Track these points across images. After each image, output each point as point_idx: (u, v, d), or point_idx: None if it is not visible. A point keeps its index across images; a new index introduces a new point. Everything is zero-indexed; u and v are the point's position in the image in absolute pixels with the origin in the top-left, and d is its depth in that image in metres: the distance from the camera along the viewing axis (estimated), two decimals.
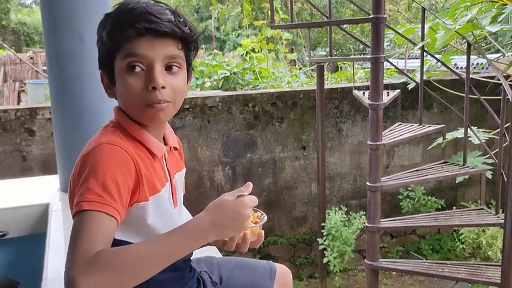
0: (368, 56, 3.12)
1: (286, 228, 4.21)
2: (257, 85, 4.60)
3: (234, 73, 4.68)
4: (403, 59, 6.47)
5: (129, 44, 1.01)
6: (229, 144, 3.87)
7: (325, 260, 3.81)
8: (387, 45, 7.97)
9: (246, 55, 5.10)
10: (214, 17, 10.96)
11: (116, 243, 1.01)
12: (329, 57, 3.70)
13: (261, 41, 5.97)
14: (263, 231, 1.13)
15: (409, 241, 4.69)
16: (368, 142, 3.17)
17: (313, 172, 4.11)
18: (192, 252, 1.19)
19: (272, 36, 6.16)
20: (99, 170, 0.93)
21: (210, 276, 1.28)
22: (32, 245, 2.04)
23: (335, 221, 3.82)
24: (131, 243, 1.01)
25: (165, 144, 1.16)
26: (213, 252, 1.60)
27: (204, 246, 1.24)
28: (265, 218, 1.15)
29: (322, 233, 3.85)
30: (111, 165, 0.95)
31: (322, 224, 3.89)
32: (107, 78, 1.08)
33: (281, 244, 4.20)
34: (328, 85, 4.78)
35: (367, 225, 3.23)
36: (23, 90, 10.64)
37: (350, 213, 4.03)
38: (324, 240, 3.84)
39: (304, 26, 4.32)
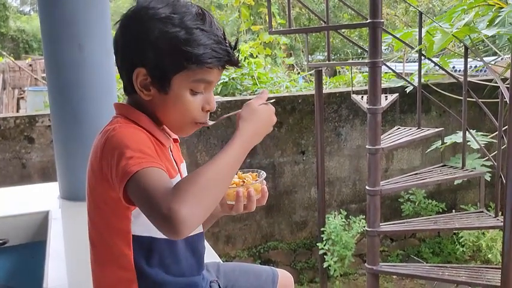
0: (366, 61, 3.14)
1: (286, 233, 4.21)
2: (256, 90, 4.61)
3: (233, 78, 4.69)
4: (401, 62, 6.49)
5: (206, 71, 1.03)
6: None
7: (325, 265, 3.81)
8: (385, 50, 8.00)
9: (244, 60, 5.11)
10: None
11: (136, 239, 1.04)
12: (327, 61, 3.71)
13: (258, 46, 5.99)
14: (266, 187, 1.18)
15: (409, 245, 4.69)
16: (367, 146, 3.18)
17: (312, 176, 4.11)
18: (203, 263, 1.22)
19: (270, 41, 6.18)
20: (130, 143, 0.95)
21: (219, 286, 1.28)
22: (32, 253, 2.04)
23: (335, 226, 3.82)
24: (156, 238, 1.04)
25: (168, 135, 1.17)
26: (214, 258, 1.60)
27: (212, 220, 1.31)
28: (264, 174, 1.21)
29: (322, 237, 3.85)
30: (136, 137, 0.98)
31: (322, 229, 3.89)
32: (151, 79, 1.04)
33: (281, 249, 4.20)
34: (326, 89, 4.79)
35: (367, 229, 3.24)
36: (22, 98, 10.64)
37: (350, 217, 4.04)
38: (324, 245, 3.84)
39: (302, 31, 4.35)
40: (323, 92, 4.07)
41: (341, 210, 4.01)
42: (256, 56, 5.83)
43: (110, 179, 0.96)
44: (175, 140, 1.20)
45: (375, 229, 3.20)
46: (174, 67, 1.02)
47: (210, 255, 1.66)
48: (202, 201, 0.87)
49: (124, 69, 1.07)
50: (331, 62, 3.91)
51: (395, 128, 3.77)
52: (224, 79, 4.59)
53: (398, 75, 3.76)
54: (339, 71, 6.10)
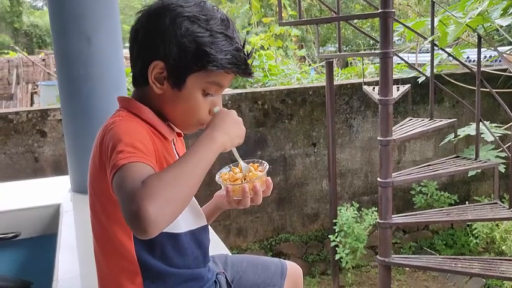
0: (377, 51, 3.10)
1: (297, 225, 4.20)
2: (266, 82, 4.59)
3: None
4: (414, 53, 6.41)
5: (222, 75, 1.05)
6: None
7: (337, 257, 3.80)
8: (398, 40, 7.90)
9: (254, 53, 5.09)
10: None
11: None
12: (338, 53, 3.67)
13: (269, 38, 5.96)
14: (269, 177, 1.17)
15: (422, 236, 4.66)
16: (378, 138, 3.15)
17: (324, 169, 4.09)
18: (208, 255, 1.21)
19: (281, 33, 6.14)
20: (123, 137, 0.95)
21: (226, 278, 1.28)
22: (44, 246, 2.06)
23: (347, 218, 3.81)
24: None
25: (171, 129, 1.17)
26: (224, 250, 1.60)
27: (217, 212, 1.31)
28: (267, 164, 1.20)
29: (334, 229, 3.84)
30: (133, 131, 0.98)
31: (334, 221, 3.87)
32: (167, 74, 1.04)
33: (293, 241, 4.19)
34: (338, 81, 4.76)
35: (379, 221, 3.21)
36: (36, 92, 10.75)
37: (362, 209, 4.02)
38: (336, 237, 3.83)
39: (312, 22, 4.31)
40: (334, 83, 4.05)
41: (353, 202, 3.99)
42: (268, 48, 5.81)
43: (107, 170, 0.97)
44: (179, 134, 1.20)
45: (386, 221, 3.17)
46: (193, 66, 1.03)
47: (220, 248, 1.66)
48: (173, 199, 0.85)
49: (140, 60, 1.07)
50: (341, 53, 3.87)
51: (408, 119, 3.73)
52: None
53: (410, 66, 3.71)
54: (351, 62, 6.05)
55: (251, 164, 1.20)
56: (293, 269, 1.42)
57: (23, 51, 11.80)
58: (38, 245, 2.09)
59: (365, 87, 3.70)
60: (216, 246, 1.65)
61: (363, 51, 7.34)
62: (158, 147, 1.04)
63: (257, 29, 6.71)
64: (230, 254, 1.55)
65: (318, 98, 4.01)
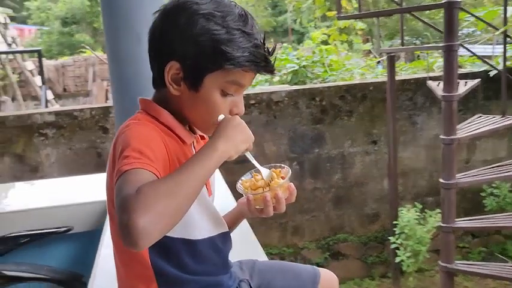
0: (440, 44, 2.92)
1: (356, 225, 4.07)
2: (326, 78, 4.48)
3: (304, 66, 4.59)
4: (491, 44, 6.00)
5: (240, 73, 1.01)
6: (296, 140, 3.80)
7: (397, 260, 3.63)
8: (473, 31, 7.44)
9: (316, 47, 4.98)
10: (290, 10, 10.89)
11: None
12: (401, 46, 3.50)
13: (333, 32, 5.81)
14: (292, 183, 1.11)
15: (493, 241, 4.36)
16: (441, 136, 2.98)
17: (384, 167, 3.93)
18: (228, 262, 1.17)
19: (345, 26, 5.97)
20: (132, 141, 0.93)
21: (250, 285, 1.24)
22: (95, 240, 2.12)
23: (408, 219, 3.63)
24: (171, 237, 1.03)
25: (193, 132, 1.14)
26: (258, 255, 1.56)
27: (240, 219, 1.26)
28: (290, 170, 1.13)
29: (394, 231, 3.68)
30: (143, 136, 0.96)
31: (394, 222, 3.71)
32: (184, 74, 1.01)
33: (351, 242, 4.07)
34: (403, 75, 4.56)
35: (441, 224, 3.04)
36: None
37: (425, 210, 3.81)
38: (397, 239, 3.66)
39: (372, 15, 4.15)
40: (398, 78, 3.87)
41: (416, 203, 3.79)
42: (332, 43, 5.66)
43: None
44: (202, 137, 1.16)
45: (449, 225, 3.00)
46: (210, 65, 0.99)
47: (257, 252, 1.61)
48: (167, 210, 0.81)
49: (156, 61, 1.05)
50: (404, 47, 3.69)
51: (477, 116, 3.49)
52: (294, 67, 4.51)
53: (480, 58, 3.47)
54: (418, 56, 5.77)
55: (273, 169, 1.13)
56: (328, 276, 1.35)
57: (93, 51, 12.32)
58: (89, 239, 2.16)
59: (429, 82, 3.50)
60: (255, 250, 1.61)
61: (426, 45, 7.00)
62: (173, 151, 1.01)
63: (321, 23, 6.57)
64: (267, 259, 1.50)
65: (379, 93, 3.85)
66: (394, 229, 3.67)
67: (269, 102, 3.70)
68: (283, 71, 4.62)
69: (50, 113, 3.39)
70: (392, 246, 3.66)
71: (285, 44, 5.30)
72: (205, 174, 0.90)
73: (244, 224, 1.75)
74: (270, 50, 1.04)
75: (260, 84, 4.56)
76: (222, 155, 0.93)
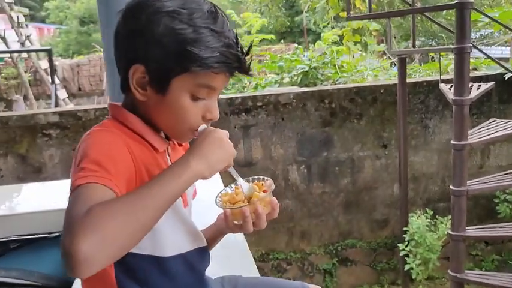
0: (451, 46, 2.82)
1: (365, 231, 3.98)
2: (337, 80, 4.39)
3: (314, 68, 4.50)
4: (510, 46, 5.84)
5: (211, 76, 0.93)
6: (304, 142, 3.72)
7: (406, 267, 3.53)
8: (490, 32, 7.27)
9: (327, 48, 4.89)
10: (306, 11, 10.79)
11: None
12: (411, 48, 3.40)
13: (346, 33, 5.71)
14: (275, 198, 1.02)
15: (507, 249, 4.22)
16: (452, 142, 2.87)
17: (395, 172, 3.82)
18: (204, 279, 1.09)
19: (358, 27, 5.87)
20: (90, 151, 0.86)
21: None
22: None
23: (418, 226, 3.53)
24: (139, 254, 0.95)
25: (168, 139, 1.07)
26: (249, 269, 1.48)
27: (219, 235, 1.17)
28: (272, 183, 1.04)
29: (404, 238, 3.58)
30: (104, 145, 0.89)
31: (404, 229, 3.61)
32: (149, 78, 0.94)
33: (360, 247, 3.97)
34: (417, 77, 4.45)
35: (451, 233, 2.94)
36: None
37: (437, 217, 3.70)
38: (406, 246, 3.56)
39: (383, 16, 4.04)
40: (410, 81, 3.77)
41: (427, 209, 3.68)
42: (346, 44, 5.56)
43: None
44: (179, 144, 1.10)
45: (459, 233, 2.89)
46: (176, 68, 0.92)
47: (248, 267, 1.53)
48: (114, 232, 0.73)
49: (121, 64, 0.98)
50: (414, 49, 3.58)
51: (491, 120, 3.37)
52: (304, 68, 4.43)
53: (494, 60, 3.35)
54: (433, 58, 5.64)
55: (255, 182, 1.06)
56: None
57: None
58: None
59: (442, 85, 3.39)
60: (245, 264, 1.53)
61: (439, 46, 6.85)
62: (142, 160, 0.94)
63: (334, 23, 6.47)
64: (258, 275, 1.43)
65: (390, 96, 3.75)
66: (404, 236, 3.57)
67: (276, 104, 3.63)
68: (293, 72, 4.54)
69: (53, 113, 3.36)
70: (402, 253, 3.56)
71: (295, 45, 5.21)
72: (172, 195, 0.82)
73: (240, 235, 1.68)
74: (243, 49, 0.96)
75: (269, 86, 4.49)
76: (194, 175, 0.86)
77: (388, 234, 4.01)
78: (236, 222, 1.00)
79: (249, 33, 5.55)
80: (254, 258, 3.75)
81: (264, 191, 1.02)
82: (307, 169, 3.76)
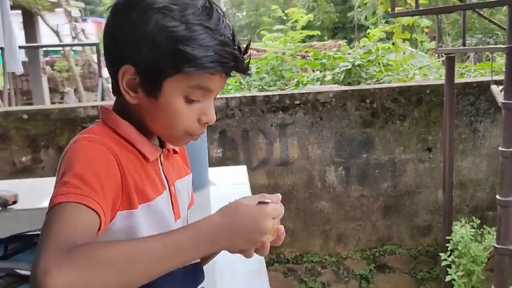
0: (503, 46, 2.62)
1: (406, 237, 3.80)
2: (381, 78, 4.22)
3: (358, 66, 4.35)
4: None
5: (206, 76, 0.87)
6: (343, 143, 3.60)
7: (447, 278, 3.35)
8: None
9: (374, 45, 4.72)
10: (357, 6, 10.55)
11: None
12: (461, 47, 3.20)
13: (396, 30, 5.49)
14: (282, 226, 0.92)
15: None
16: (500, 148, 2.68)
17: (440, 177, 3.63)
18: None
19: (409, 24, 5.63)
20: (75, 164, 0.80)
21: None
22: None
23: (461, 235, 3.33)
24: None
25: (162, 146, 1.00)
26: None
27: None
28: (282, 209, 0.92)
29: (447, 247, 3.39)
30: (90, 158, 0.83)
31: (447, 238, 3.42)
32: (140, 80, 0.88)
33: (400, 254, 3.81)
34: (467, 78, 4.21)
35: (496, 245, 2.75)
36: None
37: (484, 226, 3.49)
38: (448, 256, 3.38)
39: (429, 13, 3.83)
40: (458, 81, 3.56)
41: (473, 218, 3.47)
42: (395, 41, 5.35)
43: None
44: (174, 152, 1.03)
45: (505, 246, 2.70)
46: (167, 68, 0.86)
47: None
48: (94, 282, 0.68)
49: (111, 66, 0.92)
50: (463, 48, 3.37)
51: None
52: (347, 66, 4.28)
53: None
54: (488, 57, 5.33)
55: None
56: None
57: None
58: None
59: (493, 86, 3.18)
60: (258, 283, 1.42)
61: (489, 46, 6.47)
62: (131, 171, 0.88)
63: (382, 20, 6.26)
64: None
65: (437, 97, 3.55)
66: (447, 245, 3.39)
67: (315, 103, 3.52)
68: (336, 70, 4.41)
69: (92, 107, 3.41)
70: (443, 263, 3.38)
71: (339, 42, 5.06)
72: (183, 262, 0.78)
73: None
74: (241, 48, 0.89)
75: (311, 84, 4.38)
76: (210, 248, 0.81)
77: (430, 242, 3.81)
78: None
79: (293, 29, 5.45)
80: (287, 259, 3.71)
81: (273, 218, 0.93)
82: (345, 171, 3.64)
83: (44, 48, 9.79)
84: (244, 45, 0.91)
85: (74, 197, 0.75)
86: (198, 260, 1.01)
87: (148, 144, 0.94)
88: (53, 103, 8.23)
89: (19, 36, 9.06)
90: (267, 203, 0.84)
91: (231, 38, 0.88)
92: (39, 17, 8.68)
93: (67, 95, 8.28)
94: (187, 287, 0.98)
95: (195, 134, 0.93)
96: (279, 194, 0.90)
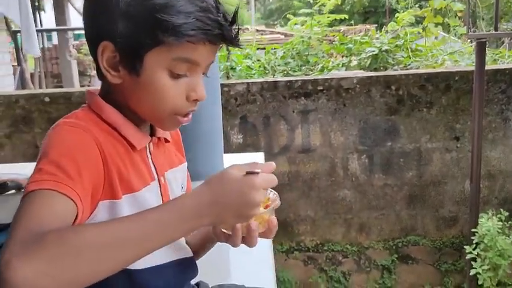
0: None
1: (431, 228, 3.70)
2: (409, 64, 4.08)
3: (386, 51, 4.22)
4: None
5: (189, 47, 0.81)
6: (366, 131, 3.50)
7: (472, 272, 3.25)
8: None
9: (403, 30, 4.56)
10: None
11: None
12: (492, 31, 3.05)
13: (428, 13, 5.30)
14: (275, 217, 0.86)
15: None
16: None
17: (467, 167, 3.50)
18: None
19: (441, 8, 5.42)
20: (52, 150, 0.76)
21: None
22: None
23: (488, 228, 3.21)
24: None
25: (153, 134, 0.95)
26: (268, 285, 1.34)
27: (209, 242, 1.04)
28: (278, 201, 0.88)
29: (472, 240, 3.28)
30: (68, 144, 0.78)
31: (473, 230, 3.31)
32: (120, 56, 0.83)
33: (423, 245, 3.71)
34: (496, 65, 4.04)
35: None
36: None
37: None
38: (474, 249, 3.27)
39: None
40: (489, 68, 3.41)
41: (501, 210, 3.35)
42: (426, 25, 5.18)
43: None
44: (166, 140, 0.98)
45: None
46: (146, 41, 0.80)
47: (268, 283, 1.38)
48: (64, 271, 0.62)
49: (91, 45, 0.87)
50: (495, 33, 3.21)
51: None
52: (374, 51, 4.16)
53: None
54: None
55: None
56: None
57: None
58: None
59: None
60: (266, 279, 1.37)
61: None
62: (114, 159, 0.83)
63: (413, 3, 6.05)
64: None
65: (466, 84, 3.42)
66: (472, 238, 3.28)
67: (338, 88, 3.43)
68: (362, 55, 4.29)
69: None
70: (468, 256, 3.28)
71: (368, 26, 4.91)
72: (169, 240, 0.73)
73: (267, 241, 1.47)
74: (227, 16, 0.82)
75: (336, 69, 4.28)
76: (197, 223, 0.75)
77: (455, 234, 3.70)
78: (224, 231, 0.87)
79: (320, 13, 5.32)
80: (308, 248, 3.66)
81: (266, 207, 0.86)
82: (368, 159, 3.55)
83: (75, 32, 9.88)
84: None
85: (47, 183, 0.71)
86: (189, 255, 0.97)
87: (134, 131, 0.89)
88: (82, 86, 8.33)
89: (51, 19, 9.17)
90: (257, 173, 0.76)
91: (214, 4, 0.82)
92: (68, 1, 8.76)
93: (94, 79, 8.36)
94: (178, 282, 0.94)
95: (185, 113, 0.88)
96: (273, 162, 0.83)
